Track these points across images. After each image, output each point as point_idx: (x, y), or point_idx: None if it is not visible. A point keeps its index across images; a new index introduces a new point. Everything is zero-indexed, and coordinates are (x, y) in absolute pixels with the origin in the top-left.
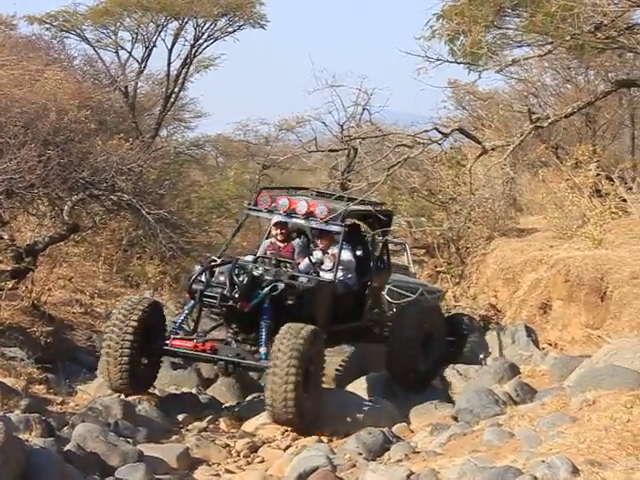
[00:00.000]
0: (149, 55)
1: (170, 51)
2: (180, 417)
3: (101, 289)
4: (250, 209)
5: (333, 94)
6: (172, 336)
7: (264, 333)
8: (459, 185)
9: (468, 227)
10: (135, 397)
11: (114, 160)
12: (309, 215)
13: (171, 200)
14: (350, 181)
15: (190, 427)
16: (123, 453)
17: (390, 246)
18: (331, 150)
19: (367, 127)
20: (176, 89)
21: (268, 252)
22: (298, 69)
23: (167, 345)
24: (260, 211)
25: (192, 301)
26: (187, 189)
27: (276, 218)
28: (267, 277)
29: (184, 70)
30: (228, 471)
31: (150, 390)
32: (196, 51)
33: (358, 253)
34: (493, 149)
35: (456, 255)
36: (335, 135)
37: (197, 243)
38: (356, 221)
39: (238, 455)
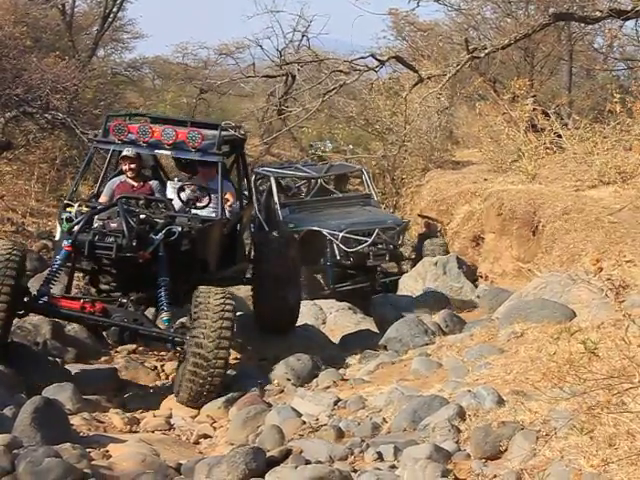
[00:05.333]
0: None
1: None
2: None
3: (33, 208)
4: (99, 142)
5: (272, 19)
6: (50, 293)
7: (163, 294)
8: (396, 115)
9: (404, 158)
10: None
11: (49, 78)
12: (177, 145)
13: None
14: (287, 107)
15: (119, 349)
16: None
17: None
18: (268, 76)
19: (305, 53)
20: (114, 9)
21: (117, 194)
22: None
23: (47, 303)
24: (113, 144)
25: (63, 253)
26: (123, 110)
27: (126, 151)
28: (158, 220)
29: None
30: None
31: None
32: None
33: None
34: (429, 78)
35: (391, 185)
36: (273, 61)
37: None
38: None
39: (167, 377)
